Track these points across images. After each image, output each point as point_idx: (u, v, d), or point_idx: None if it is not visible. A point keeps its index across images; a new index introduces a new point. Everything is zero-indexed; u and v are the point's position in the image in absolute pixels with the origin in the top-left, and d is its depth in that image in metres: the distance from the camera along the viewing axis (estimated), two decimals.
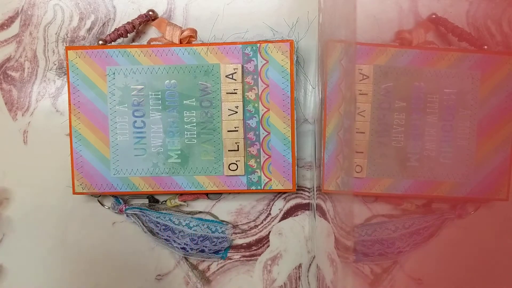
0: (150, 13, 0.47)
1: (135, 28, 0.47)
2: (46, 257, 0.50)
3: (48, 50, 0.50)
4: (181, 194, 0.47)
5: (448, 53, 0.44)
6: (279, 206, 0.49)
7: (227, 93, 0.45)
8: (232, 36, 0.48)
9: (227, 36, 0.48)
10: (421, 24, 0.46)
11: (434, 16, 0.46)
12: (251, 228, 0.49)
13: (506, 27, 0.48)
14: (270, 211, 0.49)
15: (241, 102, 0.45)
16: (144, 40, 0.49)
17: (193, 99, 0.45)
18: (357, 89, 0.44)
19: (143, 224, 0.47)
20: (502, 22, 0.48)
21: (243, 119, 0.45)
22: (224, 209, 0.49)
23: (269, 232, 0.49)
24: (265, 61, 0.45)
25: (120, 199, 0.48)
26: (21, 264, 0.50)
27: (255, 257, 0.49)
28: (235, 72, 0.45)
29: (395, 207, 0.47)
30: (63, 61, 0.49)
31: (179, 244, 0.47)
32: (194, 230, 0.47)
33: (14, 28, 0.50)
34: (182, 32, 0.45)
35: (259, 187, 0.46)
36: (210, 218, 0.49)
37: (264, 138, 0.45)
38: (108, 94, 0.46)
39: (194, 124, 0.46)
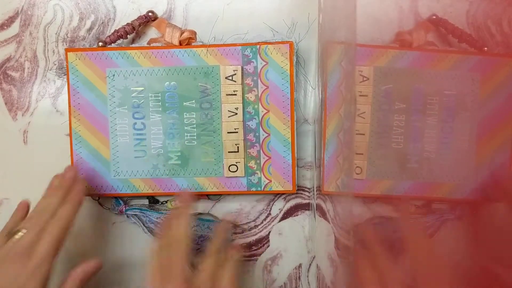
0: (150, 14, 0.47)
1: (135, 30, 0.46)
2: None
3: (48, 50, 0.49)
4: None
5: (448, 55, 0.44)
6: (279, 206, 0.49)
7: (227, 94, 0.45)
8: (232, 37, 0.48)
9: (227, 37, 0.48)
10: (421, 25, 0.46)
11: (434, 17, 0.46)
12: (251, 228, 0.49)
13: (506, 27, 0.48)
14: (270, 211, 0.49)
15: (241, 104, 0.45)
16: (144, 41, 0.48)
17: (193, 101, 0.45)
18: (357, 90, 0.44)
19: (143, 224, 0.47)
20: (502, 22, 0.48)
21: (243, 121, 0.45)
22: (224, 210, 0.49)
23: (269, 232, 0.49)
24: (265, 63, 0.45)
25: (120, 200, 0.48)
26: None
27: (255, 257, 0.49)
28: (235, 74, 0.45)
29: (395, 208, 0.47)
30: (63, 61, 0.49)
31: None
32: (194, 230, 0.48)
33: (14, 28, 0.50)
34: (182, 33, 0.45)
35: (259, 189, 0.46)
36: (210, 218, 0.49)
37: (264, 139, 0.45)
38: (108, 96, 0.46)
39: (194, 125, 0.46)
